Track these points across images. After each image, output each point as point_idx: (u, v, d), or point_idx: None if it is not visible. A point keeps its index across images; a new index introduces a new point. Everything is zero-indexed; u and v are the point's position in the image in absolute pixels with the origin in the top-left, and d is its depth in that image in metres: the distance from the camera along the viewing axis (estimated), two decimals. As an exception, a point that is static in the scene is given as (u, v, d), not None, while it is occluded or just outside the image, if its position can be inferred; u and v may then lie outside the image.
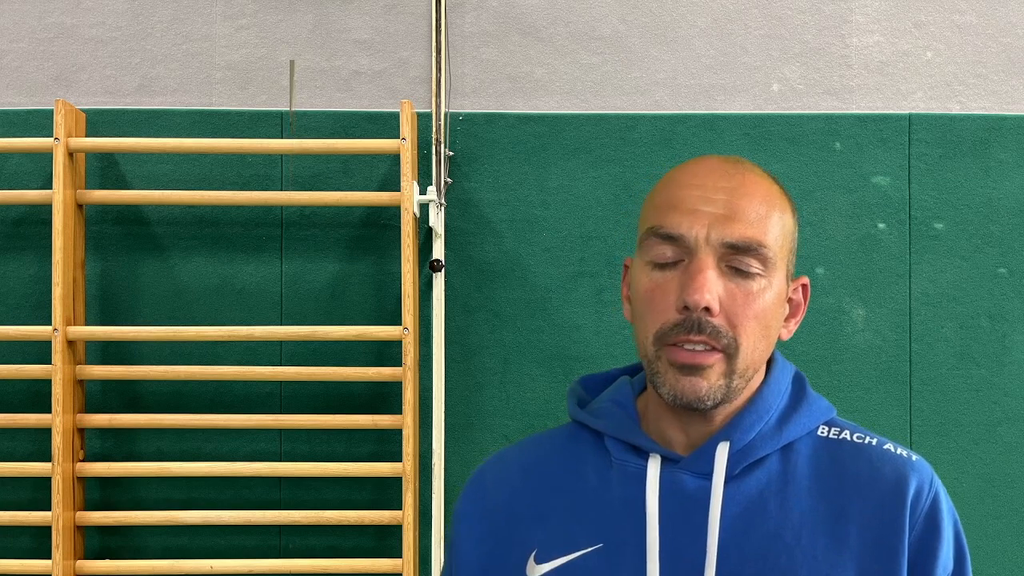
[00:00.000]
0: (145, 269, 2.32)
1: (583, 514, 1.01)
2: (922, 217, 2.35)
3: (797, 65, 2.38)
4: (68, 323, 2.19)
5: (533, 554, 1.01)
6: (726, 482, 0.98)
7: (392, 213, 2.30)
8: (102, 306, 2.31)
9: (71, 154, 2.21)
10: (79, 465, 2.22)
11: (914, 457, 1.02)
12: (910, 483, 0.99)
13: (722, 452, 0.99)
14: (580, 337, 2.33)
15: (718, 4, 2.39)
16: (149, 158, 2.32)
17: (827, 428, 1.05)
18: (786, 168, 2.33)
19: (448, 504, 2.29)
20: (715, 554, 0.96)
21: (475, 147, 2.35)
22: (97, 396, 2.30)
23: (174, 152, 2.29)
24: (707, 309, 0.94)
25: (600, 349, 2.32)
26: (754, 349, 0.98)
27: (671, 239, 0.97)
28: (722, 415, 1.01)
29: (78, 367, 2.23)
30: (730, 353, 0.96)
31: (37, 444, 2.27)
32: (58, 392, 2.16)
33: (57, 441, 2.16)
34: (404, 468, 2.19)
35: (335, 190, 2.31)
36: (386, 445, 2.30)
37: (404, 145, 2.21)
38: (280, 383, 2.31)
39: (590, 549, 0.99)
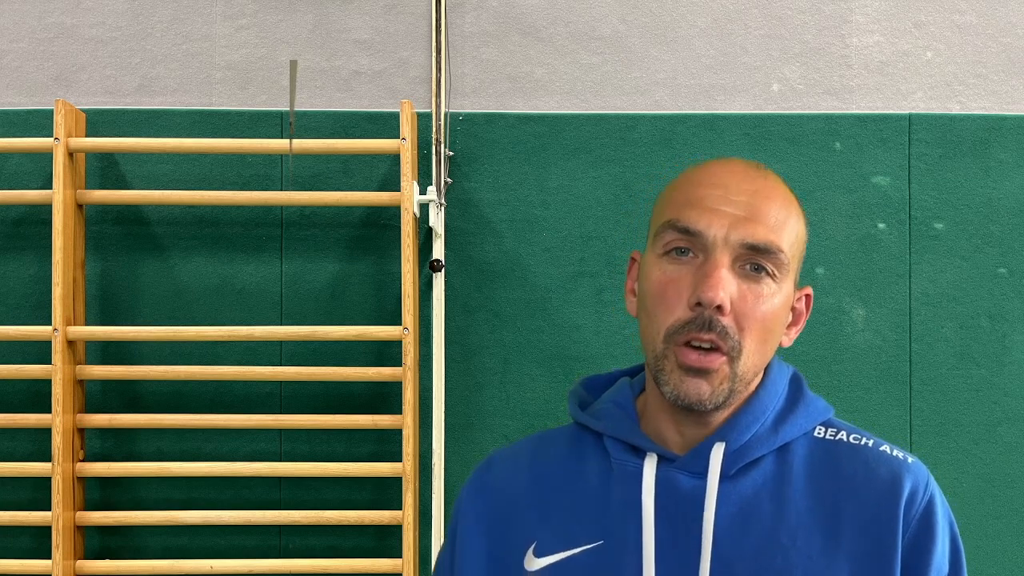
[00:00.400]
0: (145, 269, 2.32)
1: (583, 512, 1.02)
2: (922, 217, 2.35)
3: (797, 65, 2.38)
4: (68, 323, 2.19)
5: (532, 547, 1.02)
6: (721, 482, 0.99)
7: (392, 213, 2.30)
8: (102, 306, 2.31)
9: (71, 154, 2.21)
10: (79, 465, 2.22)
11: (910, 459, 1.02)
12: (905, 484, 0.99)
13: (717, 452, 0.99)
14: (580, 337, 2.32)
15: (718, 4, 2.39)
16: (149, 158, 2.32)
17: (824, 429, 1.05)
18: (786, 168, 2.33)
19: (448, 504, 2.29)
20: (709, 553, 0.96)
21: (475, 147, 2.35)
22: (97, 396, 2.30)
23: (174, 152, 2.29)
24: (719, 308, 0.95)
25: (600, 349, 2.32)
26: (755, 353, 0.98)
27: (688, 234, 0.97)
28: (719, 417, 1.02)
29: (78, 367, 2.23)
30: (733, 356, 0.96)
31: (37, 444, 2.27)
32: (58, 392, 2.16)
33: (57, 441, 2.16)
34: (404, 468, 2.19)
35: (335, 190, 2.31)
36: (386, 445, 2.30)
37: (404, 145, 2.21)
38: (280, 383, 2.31)
39: (589, 546, 1.00)
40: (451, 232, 2.34)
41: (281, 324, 2.31)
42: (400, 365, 2.21)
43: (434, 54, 2.34)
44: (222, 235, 2.33)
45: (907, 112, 2.36)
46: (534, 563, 1.02)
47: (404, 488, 2.19)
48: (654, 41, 2.38)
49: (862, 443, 1.03)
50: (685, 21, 2.39)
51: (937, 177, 2.35)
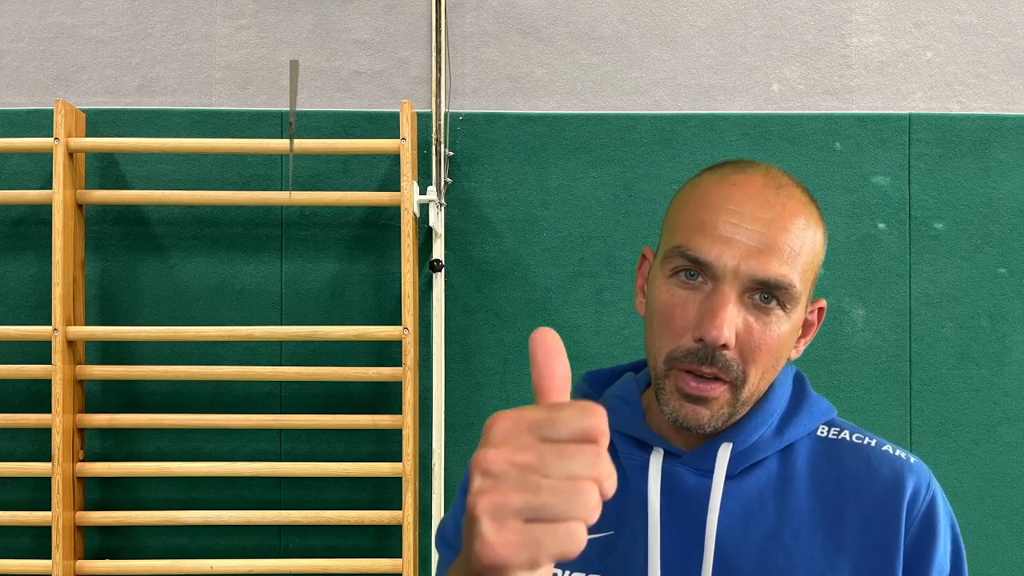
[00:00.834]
0: (145, 269, 2.32)
1: None
2: (922, 217, 2.35)
3: (797, 65, 2.38)
4: (68, 323, 2.19)
5: None
6: (726, 481, 0.99)
7: (392, 213, 2.30)
8: (102, 306, 2.31)
9: (71, 154, 2.21)
10: (79, 465, 2.22)
11: (912, 459, 1.02)
12: (907, 484, 0.99)
13: (724, 452, 1.00)
14: (580, 337, 2.32)
15: (718, 4, 2.39)
16: (149, 158, 2.32)
17: (827, 428, 1.05)
18: (786, 168, 2.32)
19: (448, 504, 2.29)
20: (712, 552, 0.96)
21: (475, 147, 2.35)
22: (97, 396, 2.30)
23: (174, 152, 2.29)
24: (723, 345, 0.94)
25: (600, 349, 2.32)
26: (761, 379, 0.98)
27: (698, 263, 0.95)
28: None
29: (78, 367, 2.23)
30: (737, 385, 0.96)
31: (37, 444, 2.27)
32: (58, 392, 2.16)
33: (57, 441, 2.16)
34: (404, 468, 2.19)
35: (335, 190, 2.31)
36: (386, 445, 2.30)
37: (404, 145, 2.21)
38: (280, 383, 2.31)
39: (600, 535, 1.00)
40: (451, 232, 2.34)
41: (281, 324, 2.31)
42: (400, 365, 2.21)
43: (434, 54, 2.34)
44: (222, 235, 2.33)
45: (907, 112, 2.36)
46: None
47: (404, 488, 2.18)
48: (654, 41, 2.38)
49: (864, 442, 1.03)
50: (685, 21, 2.39)
51: (937, 177, 2.35)
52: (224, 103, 2.36)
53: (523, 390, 2.32)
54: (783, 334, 0.96)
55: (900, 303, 2.34)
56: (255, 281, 2.33)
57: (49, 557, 2.17)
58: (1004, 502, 2.32)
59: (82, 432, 2.26)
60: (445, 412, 2.30)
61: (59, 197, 2.17)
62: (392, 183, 2.31)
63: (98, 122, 2.32)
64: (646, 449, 1.03)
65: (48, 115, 2.25)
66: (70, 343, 2.20)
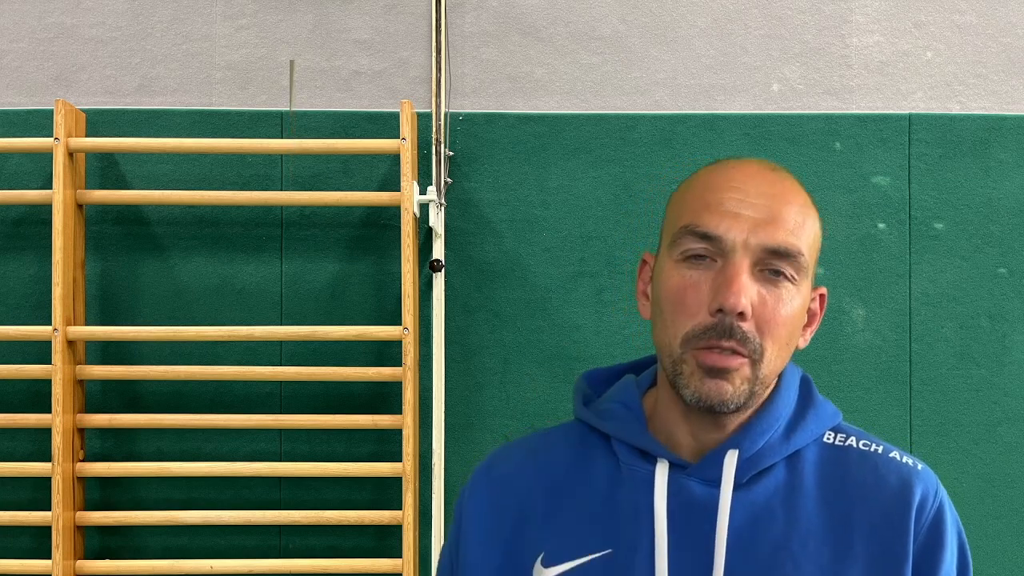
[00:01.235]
0: (145, 269, 2.32)
1: (591, 518, 1.01)
2: (922, 217, 2.35)
3: (797, 65, 2.38)
4: (68, 323, 2.19)
5: (540, 557, 1.01)
6: (733, 490, 0.98)
7: (392, 213, 2.30)
8: (102, 306, 2.31)
9: (71, 154, 2.21)
10: (79, 465, 2.22)
11: (919, 466, 1.02)
12: (915, 492, 0.99)
13: (731, 460, 0.99)
14: (580, 337, 2.32)
15: (718, 4, 2.39)
16: (149, 158, 2.32)
17: (833, 434, 1.04)
18: (786, 168, 2.33)
19: (448, 504, 2.29)
20: (723, 563, 0.95)
21: (475, 147, 2.35)
22: (97, 396, 2.30)
23: (174, 152, 2.29)
24: (740, 314, 0.94)
25: (600, 349, 2.32)
26: (777, 357, 0.98)
27: (707, 239, 0.96)
28: (734, 424, 1.01)
29: (78, 367, 2.23)
30: (755, 359, 0.96)
31: (37, 444, 2.27)
32: (58, 392, 2.16)
33: (57, 441, 2.16)
34: (404, 468, 2.19)
35: (335, 190, 2.31)
36: (386, 445, 2.30)
37: (404, 145, 2.21)
38: (280, 383, 2.31)
39: (598, 555, 0.99)
40: (451, 232, 2.34)
41: (281, 324, 2.31)
42: (400, 365, 2.21)
43: (434, 54, 2.34)
44: (222, 235, 2.33)
45: (907, 112, 2.36)
46: (543, 573, 1.00)
47: (404, 488, 2.18)
48: (654, 41, 2.38)
49: (872, 449, 1.03)
50: (685, 21, 2.39)
51: (937, 177, 2.35)
52: (224, 103, 2.36)
53: (523, 390, 2.32)
54: (795, 308, 0.97)
55: (900, 303, 2.34)
56: (255, 281, 2.33)
57: (49, 557, 2.17)
58: (1004, 502, 2.32)
59: (82, 432, 2.26)
60: (445, 412, 2.30)
61: (59, 197, 2.17)
62: (392, 183, 2.31)
63: (98, 122, 2.32)
64: (649, 460, 1.01)
65: (48, 115, 2.25)
66: (70, 343, 2.20)
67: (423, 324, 2.30)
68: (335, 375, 2.26)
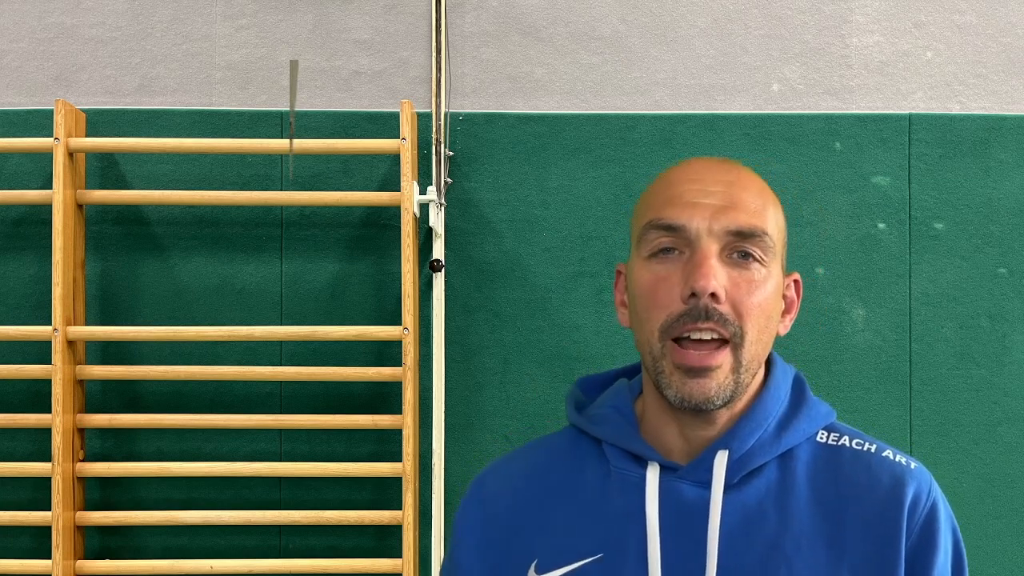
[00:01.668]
0: (145, 269, 2.32)
1: (583, 523, 1.01)
2: (922, 217, 2.35)
3: (797, 65, 2.38)
4: (68, 323, 2.19)
5: (534, 564, 1.01)
6: (725, 491, 0.98)
7: (392, 213, 2.30)
8: (102, 306, 2.31)
9: (71, 154, 2.21)
10: (79, 465, 2.22)
11: (913, 464, 1.02)
12: (907, 491, 0.98)
13: (721, 461, 0.98)
14: (580, 337, 2.32)
15: (718, 4, 2.39)
16: (149, 158, 2.32)
17: (826, 434, 1.04)
18: (786, 168, 2.33)
19: (448, 504, 2.29)
20: (715, 565, 0.95)
21: (475, 147, 2.35)
22: (97, 396, 2.30)
23: (174, 152, 2.29)
24: (713, 296, 0.94)
25: (600, 349, 2.32)
26: (757, 340, 0.97)
27: (672, 230, 0.97)
28: (723, 420, 1.01)
29: (78, 367, 2.23)
30: (736, 343, 0.96)
31: (37, 444, 2.27)
32: (58, 392, 2.16)
33: (57, 441, 2.16)
34: (404, 468, 2.19)
35: (335, 190, 2.31)
36: (386, 445, 2.30)
37: (404, 145, 2.21)
38: (280, 383, 2.31)
39: (590, 559, 0.99)
40: (451, 232, 2.34)
41: (281, 324, 2.31)
42: (400, 365, 2.21)
43: (434, 54, 2.34)
44: (222, 235, 2.33)
45: (907, 112, 2.36)
46: None
47: (404, 488, 2.18)
48: (654, 41, 2.38)
49: (864, 448, 1.02)
50: (685, 21, 2.39)
51: (937, 177, 2.35)
52: (224, 103, 2.36)
53: (523, 390, 2.32)
54: (768, 290, 0.98)
55: (900, 303, 2.34)
56: (255, 281, 2.33)
57: (49, 557, 2.17)
58: (1004, 502, 2.32)
59: (82, 432, 2.26)
60: (445, 412, 2.30)
61: (59, 197, 2.17)
62: (392, 183, 2.31)
63: (98, 122, 2.32)
64: (640, 463, 1.01)
65: (48, 115, 2.25)
66: (70, 343, 2.20)
67: (423, 324, 2.30)
68: (335, 375, 2.26)
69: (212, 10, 2.37)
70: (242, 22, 2.37)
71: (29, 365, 2.24)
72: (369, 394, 2.32)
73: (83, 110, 2.31)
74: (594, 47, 2.38)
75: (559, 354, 2.32)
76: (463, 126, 2.35)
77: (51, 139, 2.19)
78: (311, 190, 2.31)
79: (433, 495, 2.28)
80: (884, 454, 1.02)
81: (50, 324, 2.19)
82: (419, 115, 2.32)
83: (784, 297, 1.03)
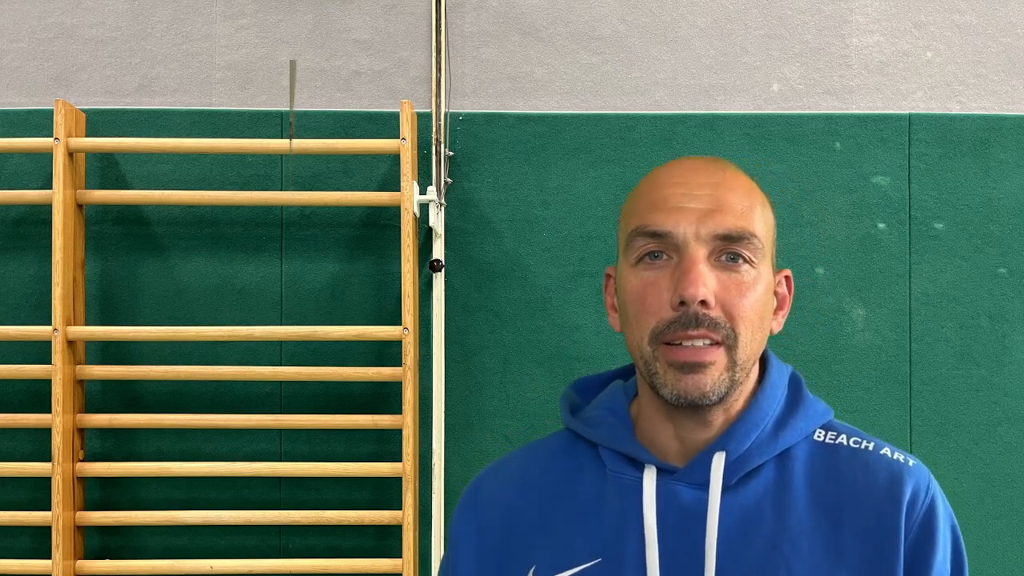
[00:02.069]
0: (145, 269, 2.32)
1: (581, 528, 1.00)
2: (922, 217, 2.35)
3: (797, 65, 2.38)
4: (68, 323, 2.19)
5: (532, 570, 1.00)
6: (723, 492, 0.97)
7: (392, 213, 2.30)
8: (102, 306, 2.31)
9: (71, 154, 2.21)
10: (79, 465, 2.22)
11: (911, 462, 1.01)
12: (906, 488, 0.98)
13: (718, 463, 0.98)
14: (580, 337, 2.32)
15: (718, 4, 2.39)
16: (149, 158, 2.32)
17: (824, 432, 1.03)
18: (786, 168, 2.33)
19: (448, 504, 2.29)
20: (714, 567, 0.95)
21: (475, 147, 2.35)
22: (97, 396, 2.30)
23: (174, 152, 2.29)
24: (703, 302, 0.94)
25: (600, 349, 2.32)
26: (751, 340, 0.97)
27: (658, 236, 0.97)
28: (719, 421, 1.00)
29: (78, 367, 2.23)
30: (730, 345, 0.95)
31: (37, 444, 2.27)
32: (58, 392, 2.16)
33: (57, 441, 2.16)
34: (404, 468, 2.19)
35: (335, 190, 2.31)
36: (386, 445, 2.30)
37: (404, 145, 2.21)
38: (280, 383, 2.31)
39: (589, 564, 0.98)
40: (451, 232, 2.34)
41: (281, 324, 2.31)
42: (400, 365, 2.21)
43: (434, 54, 2.34)
44: (222, 235, 2.33)
45: (907, 112, 2.36)
46: None
47: (404, 488, 2.18)
48: (654, 41, 2.38)
49: (862, 446, 1.02)
50: (685, 21, 2.39)
51: (937, 177, 2.35)
52: (224, 103, 2.36)
53: (523, 390, 2.32)
54: (759, 291, 0.97)
55: (900, 303, 2.34)
56: (255, 281, 2.33)
57: (49, 557, 2.17)
58: (1004, 502, 2.32)
59: (82, 432, 2.26)
60: (445, 412, 2.30)
61: (59, 197, 2.17)
62: (392, 183, 2.31)
63: (98, 122, 2.32)
64: (637, 467, 1.01)
65: (48, 115, 2.25)
66: (70, 343, 2.20)
67: (423, 324, 2.30)
68: (335, 375, 2.26)
69: (212, 10, 2.37)
70: (242, 22, 2.37)
71: (29, 365, 2.24)
72: (369, 394, 2.32)
73: (83, 110, 2.31)
74: (594, 47, 2.38)
75: (559, 354, 2.32)
76: (463, 126, 2.35)
77: (51, 139, 2.19)
78: (311, 190, 2.31)
79: (433, 495, 2.28)
80: (882, 452, 1.02)
81: (50, 324, 2.19)
82: (419, 115, 2.32)
83: (776, 294, 1.03)
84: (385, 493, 2.29)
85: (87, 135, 2.30)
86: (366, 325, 2.28)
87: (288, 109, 2.34)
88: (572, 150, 2.35)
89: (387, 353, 2.30)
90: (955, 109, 2.37)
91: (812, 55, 2.38)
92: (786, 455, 1.01)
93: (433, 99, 2.33)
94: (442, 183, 2.30)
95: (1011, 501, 2.32)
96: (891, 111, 2.36)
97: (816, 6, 2.39)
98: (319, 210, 2.33)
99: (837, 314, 2.33)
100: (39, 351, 2.24)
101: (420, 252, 2.31)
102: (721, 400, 0.97)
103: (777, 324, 1.03)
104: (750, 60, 2.38)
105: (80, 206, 2.26)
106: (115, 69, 2.36)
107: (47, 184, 2.27)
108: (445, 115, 2.32)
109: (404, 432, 2.19)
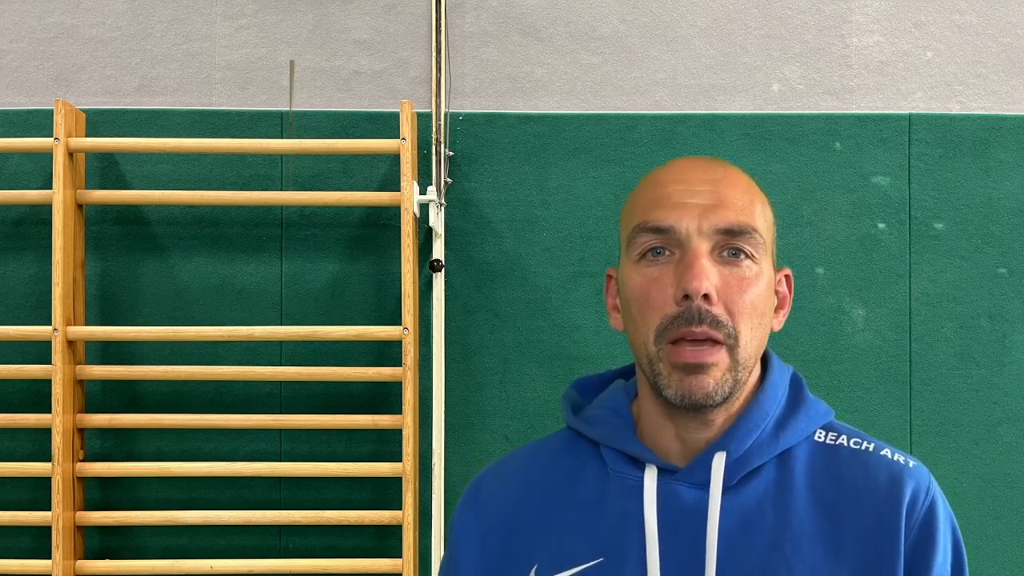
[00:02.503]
0: (145, 269, 2.32)
1: (582, 528, 1.00)
2: (922, 217, 2.35)
3: (797, 65, 2.38)
4: (68, 323, 2.19)
5: (534, 569, 1.00)
6: (723, 493, 0.97)
7: (392, 213, 2.30)
8: (102, 306, 2.31)
9: (71, 154, 2.21)
10: (79, 465, 2.22)
11: (911, 463, 1.01)
12: (906, 490, 0.98)
13: (719, 463, 0.98)
14: (580, 337, 2.32)
15: (718, 4, 2.39)
16: (149, 158, 2.32)
17: (824, 433, 1.03)
18: (786, 168, 2.33)
19: (448, 504, 2.29)
20: (714, 567, 0.95)
21: (475, 147, 2.35)
22: (97, 396, 2.30)
23: (174, 152, 2.29)
24: (706, 297, 0.94)
25: (600, 349, 2.32)
26: (752, 338, 0.97)
27: (661, 232, 0.97)
28: (720, 421, 1.00)
29: (78, 367, 2.23)
30: (731, 344, 0.96)
31: (37, 444, 2.27)
32: (58, 392, 2.16)
33: (57, 441, 2.16)
34: (404, 468, 2.19)
35: (335, 190, 2.31)
36: (386, 445, 2.30)
37: (404, 145, 2.21)
38: (280, 383, 2.31)
39: (591, 564, 0.98)
40: (451, 232, 2.34)
41: (281, 324, 2.31)
42: (400, 365, 2.21)
43: (434, 54, 2.34)
44: (222, 235, 2.33)
45: (907, 112, 2.36)
46: None
47: (404, 488, 2.18)
48: (654, 41, 2.38)
49: (863, 447, 1.02)
50: (685, 21, 2.39)
51: (937, 177, 2.35)
52: (224, 103, 2.36)
53: (523, 390, 2.32)
54: (760, 288, 0.98)
55: (900, 303, 2.34)
56: (255, 281, 2.33)
57: (49, 557, 2.17)
58: (1004, 502, 2.32)
59: (82, 432, 2.26)
60: (445, 412, 2.30)
61: (59, 197, 2.17)
62: (392, 183, 2.31)
63: (98, 122, 2.32)
64: (638, 466, 1.01)
65: (48, 115, 2.25)
66: (70, 343, 2.20)
67: (423, 324, 2.30)
68: (335, 375, 2.26)
69: (212, 10, 2.37)
70: (242, 22, 2.37)
71: (29, 365, 2.24)
72: (369, 394, 2.32)
73: (83, 110, 2.31)
74: (594, 47, 2.38)
75: (559, 354, 2.32)
76: (463, 126, 2.35)
77: (51, 139, 2.19)
78: (311, 190, 2.31)
79: (433, 495, 2.28)
80: (882, 453, 1.02)
81: (50, 324, 2.19)
82: (419, 115, 2.32)
83: (776, 293, 1.03)
84: (385, 493, 2.29)
85: (87, 135, 2.30)
86: (366, 325, 2.28)
87: (288, 109, 2.34)
88: (572, 150, 2.35)
89: (387, 353, 2.30)
90: (955, 109, 2.38)
91: (812, 55, 2.38)
92: (787, 455, 1.01)
93: (433, 99, 2.33)
94: (442, 183, 2.30)
95: (1011, 501, 2.33)
96: (891, 111, 2.36)
97: (816, 6, 2.39)
98: (319, 210, 2.33)
99: (837, 314, 2.33)
100: (39, 351, 2.24)
101: (420, 252, 2.31)
102: (724, 400, 0.97)
103: (778, 323, 1.04)
104: (750, 60, 2.38)
105: (80, 206, 2.26)
106: (115, 69, 2.36)
107: (47, 184, 2.27)
108: (445, 115, 2.32)
109: (404, 432, 2.19)
